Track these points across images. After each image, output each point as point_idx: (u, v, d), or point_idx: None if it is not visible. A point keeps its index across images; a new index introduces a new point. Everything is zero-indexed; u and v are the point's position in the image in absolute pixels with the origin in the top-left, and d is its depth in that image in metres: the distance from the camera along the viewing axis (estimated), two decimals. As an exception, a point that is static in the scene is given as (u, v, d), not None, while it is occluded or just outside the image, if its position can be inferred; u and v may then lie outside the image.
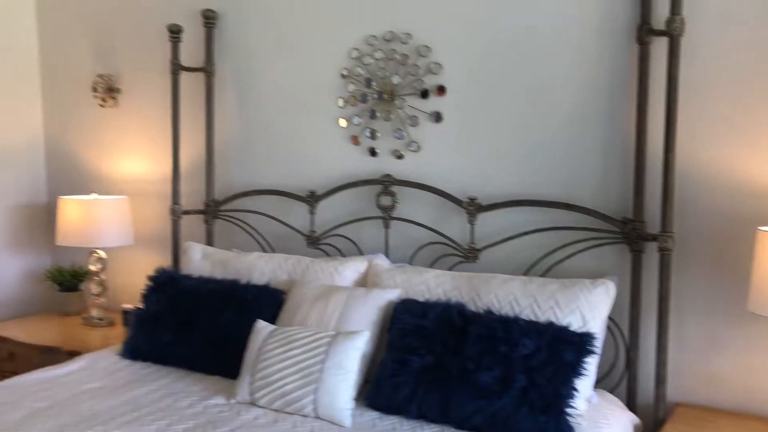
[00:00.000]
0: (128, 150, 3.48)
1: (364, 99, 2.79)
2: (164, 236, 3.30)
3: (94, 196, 3.32)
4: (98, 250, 3.32)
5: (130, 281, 3.42)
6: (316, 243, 2.89)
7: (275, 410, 2.10)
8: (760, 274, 1.96)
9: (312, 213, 2.89)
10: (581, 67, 2.41)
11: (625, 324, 2.34)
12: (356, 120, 2.82)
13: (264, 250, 3.01)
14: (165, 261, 3.20)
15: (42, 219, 3.78)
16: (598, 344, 2.07)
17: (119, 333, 3.20)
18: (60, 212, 3.27)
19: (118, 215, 3.28)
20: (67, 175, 3.69)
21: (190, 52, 3.16)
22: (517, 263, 2.50)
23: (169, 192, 3.21)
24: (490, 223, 2.54)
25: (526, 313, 2.16)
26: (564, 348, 1.97)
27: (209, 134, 3.17)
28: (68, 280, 3.53)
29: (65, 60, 3.64)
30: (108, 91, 3.47)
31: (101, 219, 3.22)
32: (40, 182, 3.79)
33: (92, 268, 3.34)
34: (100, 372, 2.46)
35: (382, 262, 2.61)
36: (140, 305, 2.71)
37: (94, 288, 3.35)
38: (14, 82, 3.63)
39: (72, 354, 2.92)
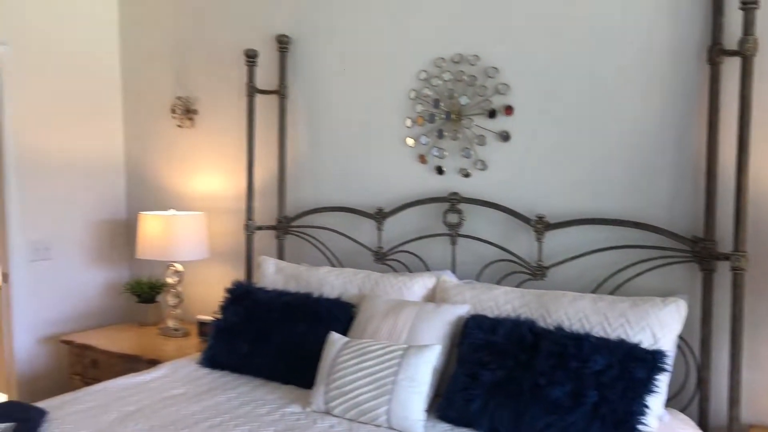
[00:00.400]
0: (204, 168, 3.66)
1: (431, 119, 2.87)
2: (238, 250, 3.45)
3: (172, 211, 3.50)
4: (175, 264, 3.49)
5: (205, 293, 3.58)
6: (383, 259, 2.98)
7: (349, 420, 2.18)
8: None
9: (379, 229, 2.98)
10: (651, 87, 2.44)
11: (696, 343, 2.33)
12: (424, 139, 2.90)
13: (332, 265, 3.11)
14: (238, 274, 3.34)
15: (121, 233, 4.00)
16: (669, 362, 2.08)
17: (194, 343, 3.35)
18: (140, 227, 3.46)
19: (195, 230, 3.44)
20: (146, 192, 3.90)
21: (264, 75, 3.31)
22: (586, 281, 2.52)
23: (242, 208, 3.36)
24: (557, 241, 2.58)
25: (596, 331, 2.18)
26: (635, 365, 1.99)
27: (281, 153, 3.30)
28: (146, 292, 3.71)
29: (146, 83, 3.86)
30: (186, 112, 3.66)
31: (179, 234, 3.38)
32: (120, 199, 4.01)
33: (169, 280, 3.51)
34: (182, 379, 2.59)
35: (449, 278, 2.67)
36: (218, 316, 2.83)
37: (170, 300, 3.52)
38: (98, 105, 3.87)
39: (151, 362, 3.08)
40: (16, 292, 3.57)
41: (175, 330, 3.50)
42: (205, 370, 2.69)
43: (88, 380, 3.36)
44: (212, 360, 2.71)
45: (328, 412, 2.23)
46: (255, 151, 3.31)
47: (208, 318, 3.32)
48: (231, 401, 2.35)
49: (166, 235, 3.38)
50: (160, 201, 3.80)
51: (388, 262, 2.98)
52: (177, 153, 3.77)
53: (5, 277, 3.57)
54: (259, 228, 3.30)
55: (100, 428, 2.10)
